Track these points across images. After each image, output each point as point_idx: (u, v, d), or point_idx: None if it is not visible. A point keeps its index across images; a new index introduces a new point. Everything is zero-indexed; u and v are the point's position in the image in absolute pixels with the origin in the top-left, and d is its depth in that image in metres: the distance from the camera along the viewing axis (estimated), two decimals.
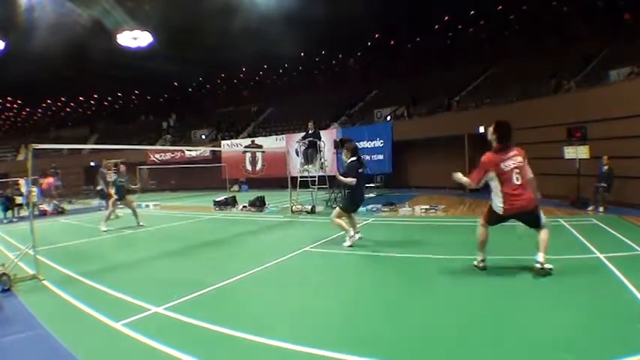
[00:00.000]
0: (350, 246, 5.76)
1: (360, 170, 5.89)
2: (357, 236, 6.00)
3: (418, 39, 21.17)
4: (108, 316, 3.32)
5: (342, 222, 5.96)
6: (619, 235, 5.76)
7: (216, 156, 22.73)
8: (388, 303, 3.56)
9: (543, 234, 4.07)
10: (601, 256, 4.63)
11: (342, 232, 7.16)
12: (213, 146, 22.70)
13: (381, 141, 17.49)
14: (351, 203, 6.04)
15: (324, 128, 19.54)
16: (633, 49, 12.97)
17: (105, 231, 8.64)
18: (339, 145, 6.10)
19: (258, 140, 22.24)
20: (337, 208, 6.24)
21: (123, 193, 9.42)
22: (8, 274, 4.33)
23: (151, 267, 5.38)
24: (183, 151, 22.66)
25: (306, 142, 11.27)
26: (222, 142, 23.70)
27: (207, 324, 3.08)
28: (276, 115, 26.70)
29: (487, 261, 4.79)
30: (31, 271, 4.74)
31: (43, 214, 12.99)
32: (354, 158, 5.97)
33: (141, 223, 9.24)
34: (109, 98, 29.47)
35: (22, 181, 14.38)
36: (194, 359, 2.55)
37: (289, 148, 18.65)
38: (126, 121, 33.55)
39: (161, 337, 2.87)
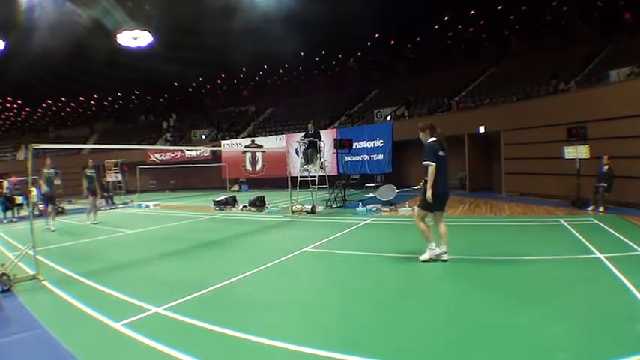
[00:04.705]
0: (426, 260, 4.75)
1: (440, 154, 4.74)
2: (443, 253, 4.74)
3: (418, 39, 21.16)
4: (108, 316, 3.32)
5: (425, 227, 4.84)
6: (619, 235, 5.76)
7: (216, 156, 22.75)
8: (388, 303, 3.56)
9: None
10: (601, 256, 4.63)
11: (341, 233, 7.19)
12: (213, 146, 22.71)
13: (381, 141, 17.51)
14: (434, 198, 4.64)
15: (324, 128, 19.55)
16: (633, 49, 12.97)
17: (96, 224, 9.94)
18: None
19: (258, 140, 22.26)
20: (417, 207, 5.09)
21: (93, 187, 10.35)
22: (8, 274, 4.33)
23: (150, 267, 5.38)
24: (183, 151, 22.66)
25: (306, 142, 11.26)
26: (222, 142, 23.72)
27: (208, 324, 3.08)
28: (276, 115, 26.72)
29: (486, 261, 4.80)
30: (31, 271, 4.74)
31: (43, 214, 12.98)
32: (433, 139, 4.83)
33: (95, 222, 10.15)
34: (109, 98, 29.44)
35: (5, 183, 14.66)
36: (194, 359, 2.55)
37: (289, 148, 18.68)
38: (126, 121, 33.57)
39: (161, 337, 2.87)
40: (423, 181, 4.85)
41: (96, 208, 10.61)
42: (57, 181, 9.59)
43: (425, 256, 4.79)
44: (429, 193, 4.63)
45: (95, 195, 10.40)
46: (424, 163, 4.71)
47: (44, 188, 9.44)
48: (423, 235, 4.86)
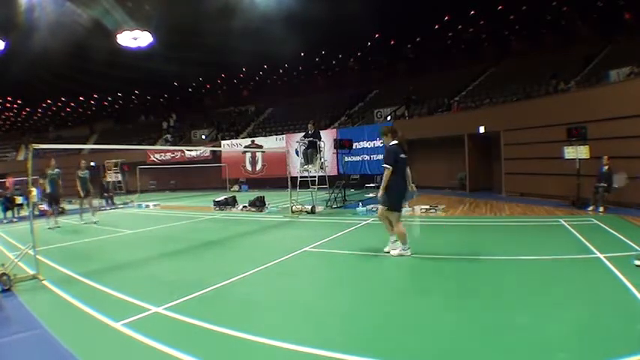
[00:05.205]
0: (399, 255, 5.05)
1: (402, 156, 5.02)
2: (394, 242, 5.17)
3: (418, 39, 21.17)
4: (108, 316, 3.32)
5: (404, 228, 5.08)
6: (619, 235, 5.76)
7: (216, 156, 22.75)
8: (388, 303, 3.56)
9: None
10: (601, 256, 4.63)
11: (341, 232, 7.18)
12: (213, 146, 22.71)
13: (381, 141, 17.47)
14: (397, 199, 4.99)
15: (324, 128, 19.55)
16: (633, 49, 12.97)
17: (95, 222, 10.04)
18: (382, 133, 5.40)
19: (258, 140, 22.26)
20: (383, 209, 5.13)
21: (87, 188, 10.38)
22: (8, 274, 4.33)
23: (151, 267, 5.38)
24: (183, 151, 22.67)
25: (306, 142, 11.26)
26: (222, 142, 23.72)
27: (208, 324, 3.08)
28: (276, 115, 26.72)
29: (486, 261, 4.81)
30: (31, 271, 4.74)
31: (43, 214, 12.97)
32: (395, 142, 5.10)
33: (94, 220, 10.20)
34: (109, 98, 29.45)
35: (7, 183, 14.97)
36: (194, 359, 2.55)
37: (289, 148, 18.69)
38: (126, 121, 33.58)
39: (161, 337, 2.87)
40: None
41: (93, 208, 10.64)
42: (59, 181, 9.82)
43: (395, 252, 5.13)
44: (380, 192, 5.02)
45: (87, 195, 10.41)
46: (383, 165, 5.06)
47: (47, 188, 9.65)
48: (401, 237, 5.09)
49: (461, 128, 14.59)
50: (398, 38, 20.93)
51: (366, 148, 17.87)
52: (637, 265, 4.06)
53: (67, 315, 3.52)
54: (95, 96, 28.15)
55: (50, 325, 3.23)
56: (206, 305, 3.61)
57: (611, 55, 14.87)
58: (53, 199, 9.79)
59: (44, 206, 13.68)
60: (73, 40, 16.93)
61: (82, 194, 10.31)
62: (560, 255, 4.85)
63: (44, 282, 4.52)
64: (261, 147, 21.60)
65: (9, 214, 12.26)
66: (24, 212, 12.33)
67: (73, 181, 10.55)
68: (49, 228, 9.36)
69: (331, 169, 16.57)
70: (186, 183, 24.75)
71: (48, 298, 4.01)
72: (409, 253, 5.06)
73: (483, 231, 7.26)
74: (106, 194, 15.96)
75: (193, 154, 22.62)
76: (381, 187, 4.98)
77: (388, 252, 5.19)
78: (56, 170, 9.68)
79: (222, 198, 12.91)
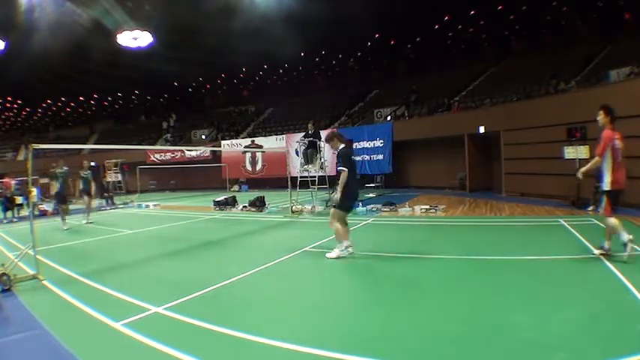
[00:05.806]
0: (336, 257, 5.08)
1: (353, 158, 5.31)
2: (350, 246, 5.20)
3: (418, 39, 21.17)
4: (108, 316, 3.32)
5: (342, 227, 5.15)
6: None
7: (216, 156, 22.75)
8: (388, 303, 3.56)
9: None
10: (601, 256, 4.63)
11: None
12: (213, 146, 22.71)
13: (381, 141, 17.50)
14: (347, 199, 5.17)
15: (324, 128, 19.53)
16: (633, 49, 12.97)
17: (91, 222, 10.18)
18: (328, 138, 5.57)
19: (258, 140, 22.26)
20: (333, 208, 5.32)
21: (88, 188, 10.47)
22: (8, 274, 4.33)
23: (151, 267, 5.38)
24: (183, 151, 22.67)
25: (306, 142, 11.26)
26: (222, 142, 23.72)
27: (208, 324, 3.08)
28: (276, 115, 26.72)
29: (486, 261, 4.81)
30: (31, 271, 4.74)
31: (43, 214, 12.99)
32: (343, 145, 5.31)
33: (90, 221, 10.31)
34: (109, 98, 29.44)
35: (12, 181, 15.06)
36: (194, 359, 2.55)
37: (289, 148, 18.67)
38: (126, 121, 33.57)
39: (161, 337, 2.87)
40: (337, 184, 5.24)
41: (90, 209, 10.65)
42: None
43: (333, 255, 5.13)
44: (339, 195, 5.09)
45: (89, 195, 10.48)
46: (338, 168, 5.20)
47: (56, 187, 9.80)
48: (339, 235, 5.16)
49: (461, 128, 14.59)
50: (398, 38, 20.92)
51: (366, 148, 17.87)
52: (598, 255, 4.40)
53: (67, 315, 3.52)
54: (95, 96, 28.14)
55: (50, 325, 3.23)
56: (206, 305, 3.61)
57: (611, 55, 14.86)
58: (62, 198, 9.84)
59: (44, 206, 13.74)
60: (73, 40, 16.92)
61: (77, 194, 10.44)
62: (560, 255, 4.85)
63: (44, 282, 4.52)
64: (261, 147, 21.60)
65: (9, 214, 12.26)
66: (24, 212, 12.33)
67: (74, 181, 10.60)
68: (66, 229, 9.20)
69: (331, 169, 16.50)
70: (186, 183, 24.76)
71: (48, 298, 4.01)
72: (347, 253, 5.12)
73: (483, 231, 7.26)
74: (106, 194, 15.97)
75: (193, 154, 22.62)
76: (339, 189, 5.10)
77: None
78: (65, 169, 9.79)
79: (222, 198, 12.92)
